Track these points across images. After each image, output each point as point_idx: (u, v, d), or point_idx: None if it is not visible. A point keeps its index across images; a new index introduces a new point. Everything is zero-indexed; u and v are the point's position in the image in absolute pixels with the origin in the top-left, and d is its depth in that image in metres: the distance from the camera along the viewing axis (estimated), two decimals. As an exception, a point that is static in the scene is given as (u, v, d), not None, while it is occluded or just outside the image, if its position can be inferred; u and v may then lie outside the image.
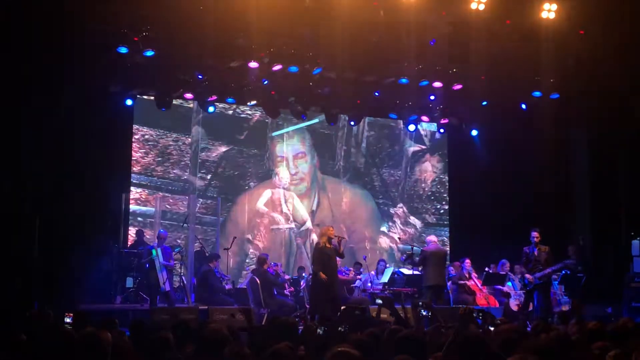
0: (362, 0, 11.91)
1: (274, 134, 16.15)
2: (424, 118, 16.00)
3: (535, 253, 11.80)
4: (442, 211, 17.45)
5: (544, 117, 14.80)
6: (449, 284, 13.60)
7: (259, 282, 12.32)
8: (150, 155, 15.04)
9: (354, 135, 16.94)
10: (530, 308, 12.39)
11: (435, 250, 12.68)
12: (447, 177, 17.50)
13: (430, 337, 5.48)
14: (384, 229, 16.92)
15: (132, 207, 14.64)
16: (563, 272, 12.99)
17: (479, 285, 13.75)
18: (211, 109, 14.56)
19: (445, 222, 17.40)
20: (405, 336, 4.96)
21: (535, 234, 11.82)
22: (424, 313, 7.25)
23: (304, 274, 14.29)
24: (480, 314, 7.26)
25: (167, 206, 14.97)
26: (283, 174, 16.17)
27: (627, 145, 14.84)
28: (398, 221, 17.10)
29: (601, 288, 13.90)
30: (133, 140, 14.82)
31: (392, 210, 17.06)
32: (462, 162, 17.07)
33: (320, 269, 11.19)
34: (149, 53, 12.25)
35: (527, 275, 11.75)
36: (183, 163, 15.32)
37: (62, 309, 7.36)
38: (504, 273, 13.78)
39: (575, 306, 12.36)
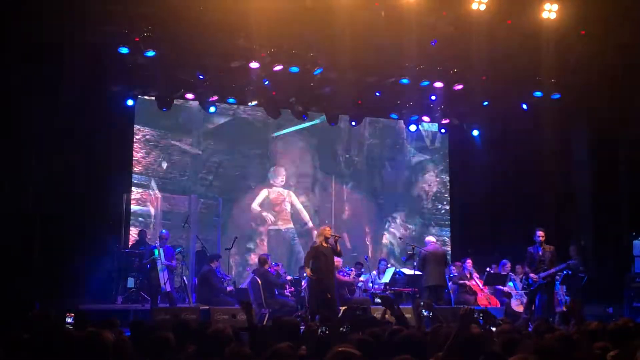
0: (363, 1, 11.91)
1: (276, 134, 16.15)
2: (425, 118, 16.00)
3: (540, 253, 11.78)
4: (443, 211, 17.45)
5: (545, 117, 14.81)
6: (449, 284, 13.60)
7: (260, 282, 12.31)
8: (151, 156, 15.04)
9: (355, 136, 16.94)
10: (533, 308, 12.39)
11: (433, 251, 12.69)
12: (447, 178, 17.50)
13: (431, 337, 5.48)
14: (385, 228, 16.91)
15: (133, 207, 14.64)
16: (564, 272, 12.98)
17: (480, 285, 13.75)
18: (212, 109, 14.57)
19: (446, 223, 17.40)
20: (406, 336, 4.96)
21: (540, 233, 11.79)
22: (425, 313, 7.25)
23: (304, 274, 14.27)
24: (481, 315, 7.26)
25: (168, 206, 14.98)
26: (284, 172, 16.17)
27: (628, 144, 14.83)
28: (399, 221, 17.10)
29: (602, 288, 13.89)
30: (134, 140, 14.83)
31: (393, 211, 17.06)
32: (463, 162, 17.08)
33: (310, 267, 11.22)
34: (150, 53, 12.28)
35: (532, 275, 11.72)
36: (184, 163, 15.32)
37: (63, 309, 7.35)
38: (505, 273, 13.77)
39: (571, 306, 12.35)
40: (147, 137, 15.05)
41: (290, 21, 12.13)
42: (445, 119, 16.00)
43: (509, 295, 13.63)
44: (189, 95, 14.12)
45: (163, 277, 12.21)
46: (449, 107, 15.47)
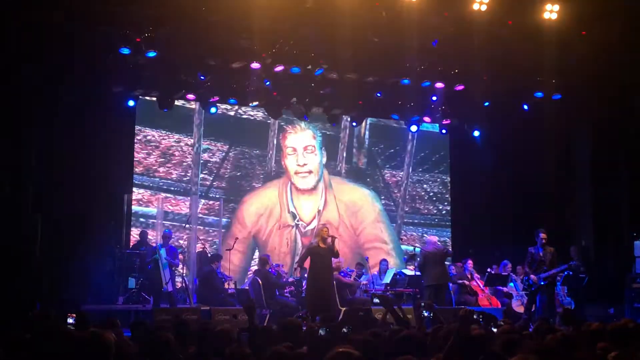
0: (364, 1, 11.92)
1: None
2: (426, 119, 15.99)
3: (541, 254, 11.78)
4: (444, 212, 17.45)
5: (546, 117, 14.81)
6: (450, 284, 13.58)
7: (260, 282, 12.32)
8: (152, 156, 15.05)
9: (356, 136, 16.94)
10: (533, 309, 12.39)
11: (433, 251, 12.69)
12: (449, 178, 17.49)
13: (432, 337, 5.48)
14: (389, 228, 16.90)
15: (134, 208, 14.65)
16: (566, 272, 12.98)
17: (481, 286, 13.76)
18: (213, 109, 14.58)
19: (447, 223, 17.39)
20: (407, 336, 4.97)
21: (543, 235, 11.80)
22: (426, 314, 7.25)
23: (306, 275, 14.27)
24: (481, 316, 7.26)
25: (169, 207, 14.99)
26: (291, 165, 16.16)
27: (629, 145, 14.84)
28: (400, 221, 17.10)
29: (603, 289, 13.90)
30: (135, 141, 14.84)
31: (394, 211, 17.06)
32: (464, 162, 17.07)
33: (301, 265, 11.29)
34: (152, 54, 12.28)
35: (532, 276, 11.72)
36: (185, 164, 15.33)
37: (64, 310, 7.37)
38: (506, 274, 13.78)
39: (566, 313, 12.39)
40: (148, 137, 15.06)
41: (291, 22, 12.15)
42: (446, 120, 15.98)
43: (509, 296, 13.63)
44: (190, 96, 14.11)
45: (164, 277, 12.22)
46: (449, 108, 15.46)
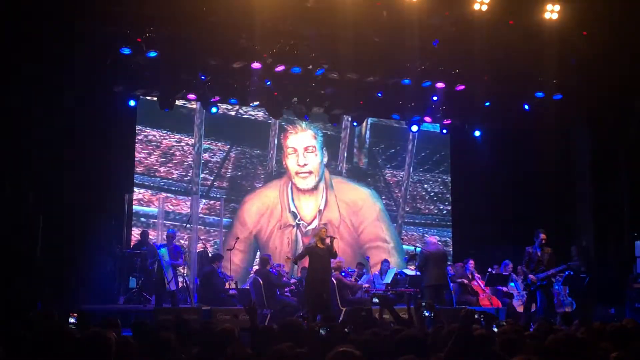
0: (365, 1, 11.92)
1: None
2: (427, 119, 16.00)
3: (539, 253, 11.78)
4: (444, 212, 17.46)
5: (547, 117, 14.81)
6: (451, 284, 13.59)
7: (261, 282, 12.32)
8: (153, 156, 15.06)
9: (357, 136, 16.94)
10: (533, 309, 12.39)
11: (435, 251, 12.69)
12: (449, 178, 17.50)
13: (432, 337, 5.48)
14: (390, 228, 16.91)
15: (135, 207, 14.66)
16: (567, 272, 12.97)
17: (482, 285, 13.76)
18: (214, 109, 14.58)
19: (448, 223, 17.40)
20: (409, 336, 4.97)
21: (543, 235, 11.80)
22: (427, 314, 7.24)
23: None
24: (482, 316, 7.26)
25: (170, 207, 14.99)
26: (292, 165, 16.17)
27: (629, 145, 14.84)
28: (401, 221, 17.11)
29: (604, 289, 13.90)
30: (136, 140, 14.85)
31: (395, 211, 17.07)
32: (465, 162, 17.07)
33: (296, 260, 11.41)
34: (152, 54, 12.29)
35: (530, 276, 11.72)
36: (186, 164, 15.34)
37: (65, 309, 7.36)
38: (507, 274, 13.77)
39: (582, 307, 12.39)
40: (149, 137, 15.07)
41: (292, 22, 12.16)
42: (446, 120, 15.99)
43: (510, 296, 13.63)
44: (191, 96, 14.12)
45: (167, 277, 12.23)
46: (450, 108, 15.46)
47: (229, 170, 15.76)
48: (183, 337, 5.58)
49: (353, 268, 14.78)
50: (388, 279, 14.17)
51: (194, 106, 15.30)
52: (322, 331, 5.38)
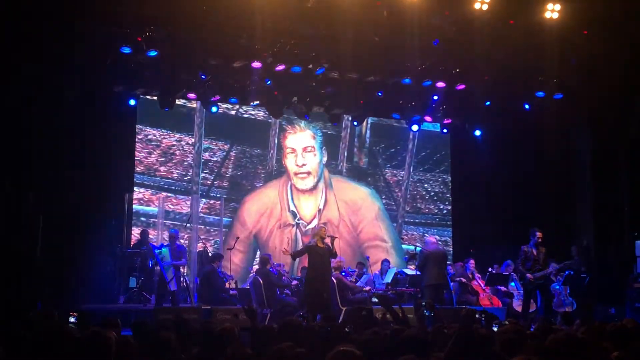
0: (366, 0, 11.91)
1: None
2: (427, 118, 15.99)
3: (535, 252, 11.77)
4: (445, 211, 17.45)
5: (547, 117, 14.81)
6: (451, 284, 13.59)
7: (261, 282, 12.31)
8: (153, 155, 15.05)
9: (357, 136, 16.94)
10: (533, 308, 12.39)
11: (434, 251, 12.70)
12: (449, 178, 17.49)
13: (433, 337, 5.47)
14: (389, 227, 16.90)
15: (135, 207, 14.65)
16: (567, 272, 12.97)
17: (482, 285, 13.75)
18: (214, 109, 14.57)
19: (448, 223, 17.39)
20: (410, 336, 4.96)
21: (539, 234, 11.80)
22: (427, 313, 7.24)
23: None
24: (483, 315, 7.26)
25: (170, 206, 14.99)
26: (291, 165, 16.16)
27: (630, 145, 14.83)
28: (401, 221, 17.10)
29: (604, 289, 13.89)
30: (136, 140, 14.84)
31: (395, 210, 17.06)
32: (465, 162, 17.06)
33: (295, 256, 11.45)
34: (153, 53, 12.28)
35: (529, 275, 11.70)
36: (186, 163, 15.33)
37: (65, 309, 7.35)
38: (507, 273, 13.77)
39: (583, 307, 12.37)
40: (149, 136, 15.06)
41: (293, 21, 12.14)
42: (447, 119, 15.99)
43: (510, 296, 13.63)
44: (191, 95, 14.13)
45: (167, 276, 12.22)
46: (451, 107, 15.45)
47: (229, 170, 15.76)
48: (183, 337, 5.57)
49: (353, 268, 14.77)
50: (388, 278, 14.17)
51: (194, 105, 15.29)
52: (322, 330, 5.37)
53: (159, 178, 15.04)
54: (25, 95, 11.78)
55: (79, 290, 12.45)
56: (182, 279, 13.27)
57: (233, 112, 15.84)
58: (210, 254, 13.93)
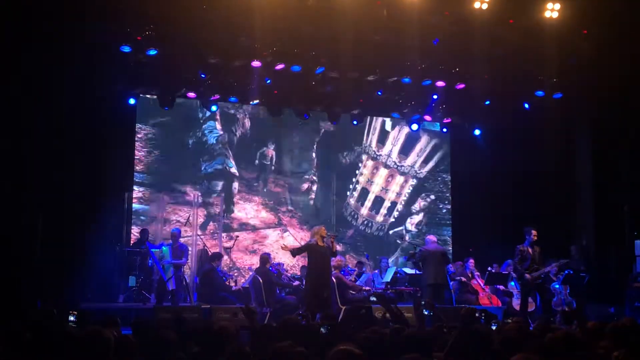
0: (365, 0, 11.91)
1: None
2: (427, 117, 16.00)
3: (531, 251, 11.77)
4: (444, 211, 17.44)
5: (547, 116, 14.80)
6: (451, 283, 13.58)
7: (261, 281, 12.31)
8: (153, 154, 15.04)
9: (358, 135, 16.92)
10: (533, 308, 12.38)
11: (434, 250, 12.70)
12: (449, 177, 17.48)
13: (433, 336, 5.48)
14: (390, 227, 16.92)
15: (135, 205, 14.65)
16: (566, 271, 12.97)
17: (482, 284, 13.75)
18: (214, 107, 14.57)
19: (448, 222, 17.38)
20: (411, 335, 4.96)
21: (535, 232, 11.80)
22: (426, 312, 7.25)
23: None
24: (483, 314, 7.27)
25: (170, 205, 14.97)
26: (288, 165, 16.16)
27: (630, 144, 14.83)
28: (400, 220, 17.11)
29: (604, 288, 13.89)
30: (136, 139, 14.83)
31: (395, 210, 17.07)
32: (465, 161, 17.05)
33: (294, 253, 11.41)
34: (152, 52, 12.29)
35: (527, 275, 11.69)
36: (186, 162, 15.31)
37: (65, 308, 7.36)
38: (506, 273, 13.77)
39: (577, 308, 12.37)
40: (149, 135, 15.06)
41: (292, 20, 12.14)
42: (447, 118, 16.00)
43: (510, 295, 13.63)
44: (191, 94, 14.12)
45: (164, 275, 12.22)
46: (450, 106, 15.46)
47: (229, 169, 15.73)
48: (183, 336, 5.57)
49: (353, 268, 14.77)
50: (388, 277, 14.16)
51: (194, 104, 15.26)
52: (322, 329, 5.38)
53: (158, 177, 15.02)
54: (24, 94, 11.77)
55: (78, 289, 12.44)
56: (182, 278, 13.28)
57: (232, 111, 15.81)
58: (209, 253, 13.92)
